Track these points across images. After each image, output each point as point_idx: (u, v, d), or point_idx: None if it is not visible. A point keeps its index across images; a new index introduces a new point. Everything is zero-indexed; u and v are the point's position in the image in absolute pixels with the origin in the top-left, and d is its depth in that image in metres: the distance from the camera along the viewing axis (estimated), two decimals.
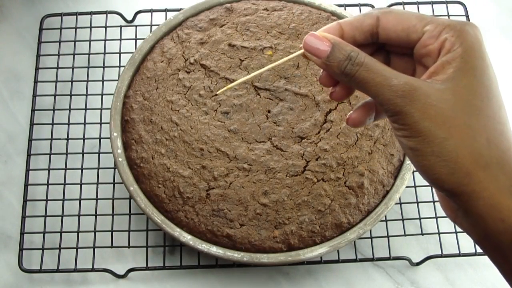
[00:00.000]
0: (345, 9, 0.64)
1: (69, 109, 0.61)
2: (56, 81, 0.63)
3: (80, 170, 0.58)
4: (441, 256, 0.55)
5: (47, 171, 0.58)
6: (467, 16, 0.67)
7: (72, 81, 0.63)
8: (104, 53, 0.64)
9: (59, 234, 0.56)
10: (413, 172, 0.58)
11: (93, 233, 0.56)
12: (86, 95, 0.62)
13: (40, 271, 0.54)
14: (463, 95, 0.30)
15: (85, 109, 0.61)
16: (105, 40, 0.65)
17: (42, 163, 0.59)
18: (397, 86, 0.30)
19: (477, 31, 0.31)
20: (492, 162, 0.29)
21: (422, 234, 0.56)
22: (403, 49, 0.34)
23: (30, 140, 0.60)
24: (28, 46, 0.66)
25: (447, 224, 0.57)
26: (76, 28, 0.65)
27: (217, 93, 0.51)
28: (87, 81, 0.62)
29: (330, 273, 0.56)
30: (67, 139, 0.60)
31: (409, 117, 0.30)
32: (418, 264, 0.56)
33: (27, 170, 0.58)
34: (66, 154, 0.59)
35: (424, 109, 0.30)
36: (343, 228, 0.52)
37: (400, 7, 0.67)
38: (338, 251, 0.55)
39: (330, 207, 0.51)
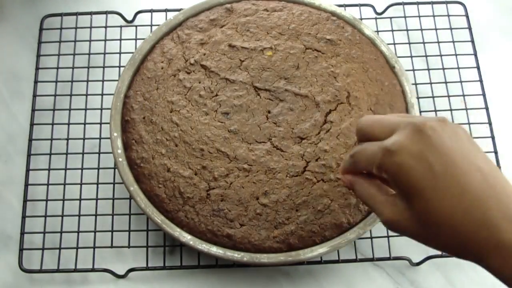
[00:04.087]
0: (345, 9, 0.64)
1: (69, 109, 0.61)
2: (56, 81, 0.63)
3: (80, 170, 0.58)
4: (441, 256, 0.56)
5: (47, 171, 0.58)
6: (467, 16, 0.67)
7: (72, 81, 0.63)
8: (104, 53, 0.64)
9: (59, 234, 0.56)
10: None
11: (93, 233, 0.56)
12: (86, 95, 0.62)
13: (40, 271, 0.54)
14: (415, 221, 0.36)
15: (85, 109, 0.61)
16: (105, 40, 0.65)
17: (42, 163, 0.59)
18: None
19: (400, 157, 0.35)
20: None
21: None
22: None
23: (30, 140, 0.60)
24: (28, 46, 0.66)
25: None
26: (76, 28, 0.65)
27: None
28: (87, 81, 0.62)
29: (330, 273, 0.56)
30: (67, 139, 0.60)
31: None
32: (418, 264, 0.56)
33: (27, 170, 0.58)
34: (66, 154, 0.59)
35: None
36: (343, 228, 0.52)
37: (400, 7, 0.67)
38: (338, 251, 0.55)
39: (329, 207, 0.51)
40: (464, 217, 0.33)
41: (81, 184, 0.58)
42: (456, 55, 0.65)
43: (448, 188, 0.33)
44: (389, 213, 0.37)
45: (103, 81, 0.62)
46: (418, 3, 0.67)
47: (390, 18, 0.67)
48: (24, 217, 0.56)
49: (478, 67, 0.64)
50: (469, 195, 0.33)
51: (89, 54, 0.64)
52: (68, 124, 0.61)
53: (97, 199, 0.57)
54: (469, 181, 0.33)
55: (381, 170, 0.36)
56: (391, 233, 0.56)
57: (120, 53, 0.64)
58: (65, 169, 0.59)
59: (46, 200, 0.57)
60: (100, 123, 0.61)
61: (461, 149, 0.35)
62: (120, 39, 0.65)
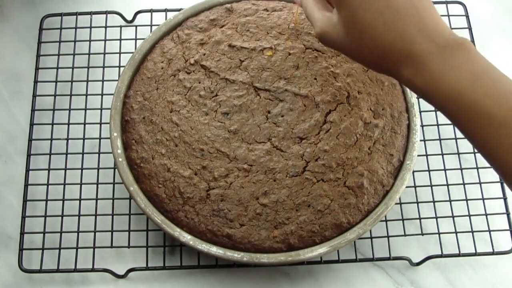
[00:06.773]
0: None
1: (69, 109, 0.61)
2: (56, 81, 0.63)
3: (80, 170, 0.58)
4: (441, 256, 0.56)
5: (47, 171, 0.58)
6: (467, 16, 0.67)
7: (72, 81, 0.63)
8: (104, 53, 0.64)
9: (59, 234, 0.56)
10: (413, 172, 0.58)
11: (93, 233, 0.56)
12: (86, 95, 0.62)
13: (40, 271, 0.54)
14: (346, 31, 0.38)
15: (85, 109, 0.61)
16: (105, 40, 0.65)
17: (42, 163, 0.59)
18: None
19: None
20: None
21: (422, 234, 0.56)
22: None
23: (30, 140, 0.60)
24: (28, 46, 0.66)
25: (447, 224, 0.57)
26: (76, 28, 0.65)
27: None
28: (87, 81, 0.62)
29: (330, 273, 0.56)
30: (67, 139, 0.60)
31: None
32: (418, 264, 0.56)
33: (27, 170, 0.58)
34: (66, 154, 0.59)
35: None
36: (343, 228, 0.52)
37: None
38: (338, 251, 0.55)
39: (329, 207, 0.51)
40: (383, 30, 0.36)
41: (81, 184, 0.58)
42: None
43: (373, 1, 0.36)
44: (322, 25, 0.41)
45: (103, 81, 0.62)
46: None
47: None
48: (24, 217, 0.56)
49: None
50: (392, 10, 0.35)
51: (89, 54, 0.64)
52: (68, 124, 0.61)
53: (97, 199, 0.57)
54: None
55: None
56: (391, 233, 0.56)
57: (120, 53, 0.64)
58: (65, 169, 0.59)
59: (46, 200, 0.57)
60: (100, 123, 0.60)
61: None
62: (120, 39, 0.65)
